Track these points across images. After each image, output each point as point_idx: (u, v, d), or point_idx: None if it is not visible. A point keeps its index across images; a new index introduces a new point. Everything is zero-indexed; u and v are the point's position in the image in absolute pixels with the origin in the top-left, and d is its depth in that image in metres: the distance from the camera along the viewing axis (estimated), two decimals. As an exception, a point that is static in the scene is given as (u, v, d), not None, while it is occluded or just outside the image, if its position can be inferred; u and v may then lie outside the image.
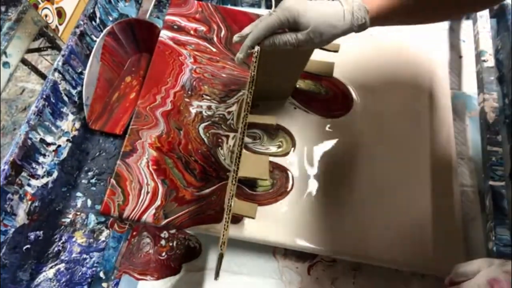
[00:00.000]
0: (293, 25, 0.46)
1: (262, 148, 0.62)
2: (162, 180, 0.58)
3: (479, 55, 0.65)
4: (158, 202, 0.57)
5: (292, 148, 0.62)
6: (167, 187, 0.58)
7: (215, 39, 0.71)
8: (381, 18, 0.47)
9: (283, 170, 0.60)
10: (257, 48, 0.48)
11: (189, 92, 0.66)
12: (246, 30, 0.49)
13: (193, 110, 0.65)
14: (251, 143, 0.62)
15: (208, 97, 0.65)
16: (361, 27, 0.47)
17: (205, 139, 0.62)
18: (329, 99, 0.66)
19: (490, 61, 0.64)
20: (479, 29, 0.67)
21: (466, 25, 0.73)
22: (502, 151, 0.56)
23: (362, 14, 0.46)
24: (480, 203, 0.58)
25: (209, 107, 0.65)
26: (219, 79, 0.67)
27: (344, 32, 0.47)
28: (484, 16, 0.69)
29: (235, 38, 0.50)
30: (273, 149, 0.62)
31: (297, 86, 0.66)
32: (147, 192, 0.57)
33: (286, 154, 0.61)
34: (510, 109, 0.63)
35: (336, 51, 0.59)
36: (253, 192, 0.58)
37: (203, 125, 0.63)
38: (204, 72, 0.68)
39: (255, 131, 0.63)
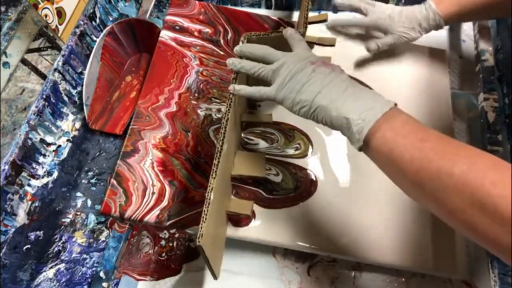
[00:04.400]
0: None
1: (277, 152, 0.61)
2: (169, 181, 0.58)
3: (479, 55, 0.65)
4: (165, 203, 0.57)
5: (311, 150, 0.61)
6: (176, 188, 0.58)
7: (221, 41, 0.70)
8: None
9: (306, 173, 0.59)
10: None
11: (196, 95, 0.66)
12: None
13: (201, 113, 0.64)
14: (268, 147, 0.61)
15: (217, 100, 0.65)
16: None
17: (215, 142, 0.62)
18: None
19: (490, 61, 0.63)
20: (479, 29, 0.67)
21: (466, 25, 0.73)
22: (502, 150, 0.56)
23: None
24: (480, 203, 0.58)
25: (218, 110, 0.64)
26: (228, 83, 0.67)
27: None
28: (484, 16, 0.68)
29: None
30: (290, 151, 0.61)
31: None
32: (153, 193, 0.57)
33: (304, 156, 0.61)
34: (510, 109, 0.63)
35: (332, 45, 0.59)
36: (270, 196, 0.57)
37: (213, 127, 0.63)
38: (211, 75, 0.67)
39: (273, 133, 0.63)
